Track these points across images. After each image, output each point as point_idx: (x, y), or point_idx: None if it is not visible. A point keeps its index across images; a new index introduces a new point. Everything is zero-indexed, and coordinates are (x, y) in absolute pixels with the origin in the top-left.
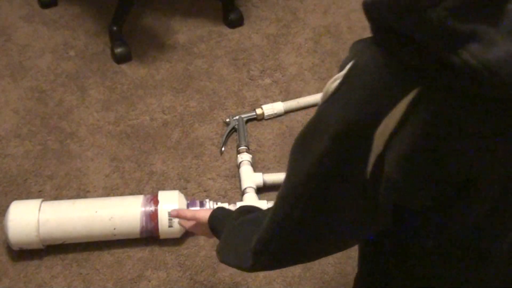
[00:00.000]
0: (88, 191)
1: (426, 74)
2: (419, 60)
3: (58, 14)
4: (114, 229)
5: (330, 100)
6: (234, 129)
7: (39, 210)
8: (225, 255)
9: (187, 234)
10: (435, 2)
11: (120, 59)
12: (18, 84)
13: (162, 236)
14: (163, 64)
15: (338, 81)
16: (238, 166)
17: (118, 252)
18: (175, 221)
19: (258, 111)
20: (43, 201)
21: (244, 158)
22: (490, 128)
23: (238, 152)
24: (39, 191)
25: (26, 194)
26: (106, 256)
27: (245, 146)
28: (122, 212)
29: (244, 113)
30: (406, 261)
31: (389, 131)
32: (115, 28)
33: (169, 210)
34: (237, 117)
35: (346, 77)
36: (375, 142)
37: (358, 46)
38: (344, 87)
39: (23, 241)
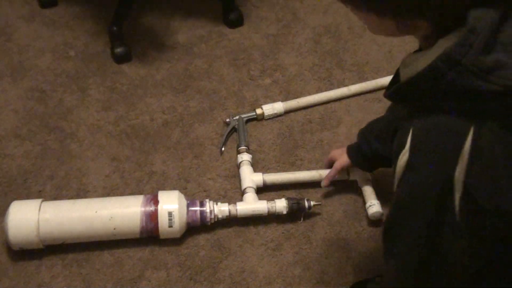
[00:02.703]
0: (88, 191)
1: (474, 112)
2: (465, 104)
3: (58, 14)
4: (114, 229)
5: (407, 173)
6: (234, 129)
7: (39, 210)
8: None
9: (187, 234)
10: (465, 53)
11: (120, 59)
12: (18, 84)
13: (162, 236)
14: (163, 64)
15: (407, 154)
16: (238, 166)
17: (118, 252)
18: (175, 221)
19: (258, 111)
20: (43, 201)
21: (244, 158)
22: None
23: (238, 152)
24: (39, 191)
25: (26, 194)
26: (106, 256)
27: (245, 146)
28: (122, 212)
29: (244, 113)
30: None
31: (463, 171)
32: (115, 28)
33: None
34: (237, 117)
35: (412, 147)
36: (456, 184)
37: (407, 124)
38: (415, 154)
39: (23, 241)
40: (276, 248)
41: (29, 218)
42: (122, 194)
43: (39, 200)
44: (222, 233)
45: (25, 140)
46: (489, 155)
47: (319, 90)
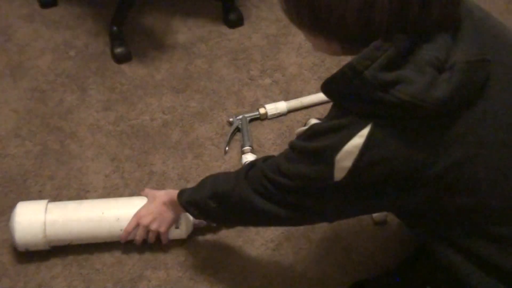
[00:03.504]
0: (88, 191)
1: (374, 113)
2: (367, 107)
3: (58, 14)
4: (121, 230)
5: (307, 134)
6: (237, 129)
7: (46, 211)
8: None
9: (189, 234)
10: (367, 66)
11: (120, 59)
12: (18, 84)
13: (169, 237)
14: (163, 64)
15: (304, 128)
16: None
17: (118, 252)
18: (182, 222)
19: (262, 110)
20: (49, 202)
21: (249, 158)
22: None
23: (243, 153)
24: (39, 191)
25: (26, 194)
26: (106, 256)
27: (249, 146)
28: (129, 213)
29: (247, 112)
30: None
31: (356, 152)
32: (115, 28)
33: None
34: (240, 116)
35: (309, 127)
36: (342, 160)
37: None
38: (308, 133)
39: (30, 242)
40: (276, 248)
41: (36, 219)
42: (122, 194)
43: (45, 201)
44: (222, 233)
45: (25, 140)
46: (377, 158)
47: (319, 90)
